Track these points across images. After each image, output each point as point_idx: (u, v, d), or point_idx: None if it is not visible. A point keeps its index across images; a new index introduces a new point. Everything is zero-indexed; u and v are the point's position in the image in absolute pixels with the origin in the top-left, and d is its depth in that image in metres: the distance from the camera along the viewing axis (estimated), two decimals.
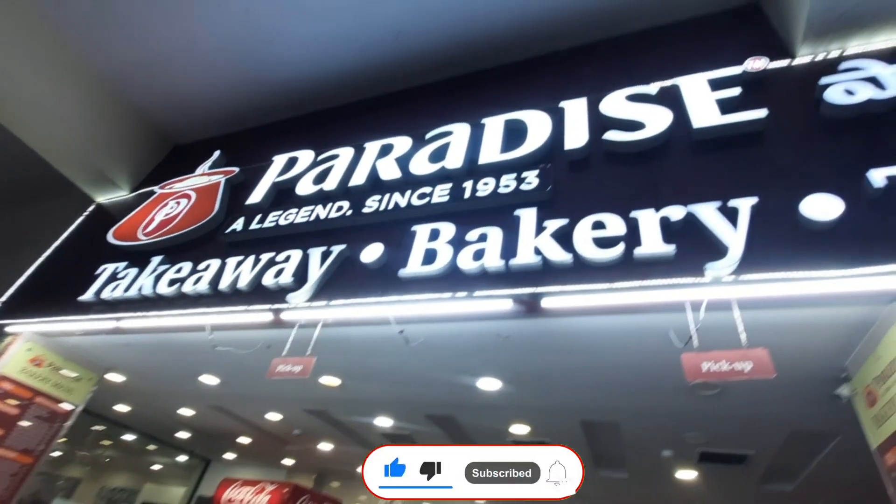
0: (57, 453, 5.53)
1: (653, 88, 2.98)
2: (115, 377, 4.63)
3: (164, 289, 3.29)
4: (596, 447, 4.79)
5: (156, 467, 9.85)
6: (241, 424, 6.03)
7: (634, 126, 2.78)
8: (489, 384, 3.54)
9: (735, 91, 2.70)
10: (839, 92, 2.40)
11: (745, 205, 2.18)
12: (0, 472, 3.47)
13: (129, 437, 7.85)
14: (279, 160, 3.97)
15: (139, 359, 4.20)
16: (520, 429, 4.49)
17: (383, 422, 4.98)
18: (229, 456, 8.02)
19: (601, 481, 5.49)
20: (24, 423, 3.64)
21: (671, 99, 2.86)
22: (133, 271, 3.59)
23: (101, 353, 4.10)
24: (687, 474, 4.88)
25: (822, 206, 2.03)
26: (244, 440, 6.76)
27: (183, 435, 7.28)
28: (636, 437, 4.30)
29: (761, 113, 2.49)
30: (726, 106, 2.65)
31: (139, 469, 10.10)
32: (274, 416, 5.53)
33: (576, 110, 3.08)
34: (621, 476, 5.29)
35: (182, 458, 8.79)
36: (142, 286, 3.39)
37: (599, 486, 5.63)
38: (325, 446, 6.29)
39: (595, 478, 5.42)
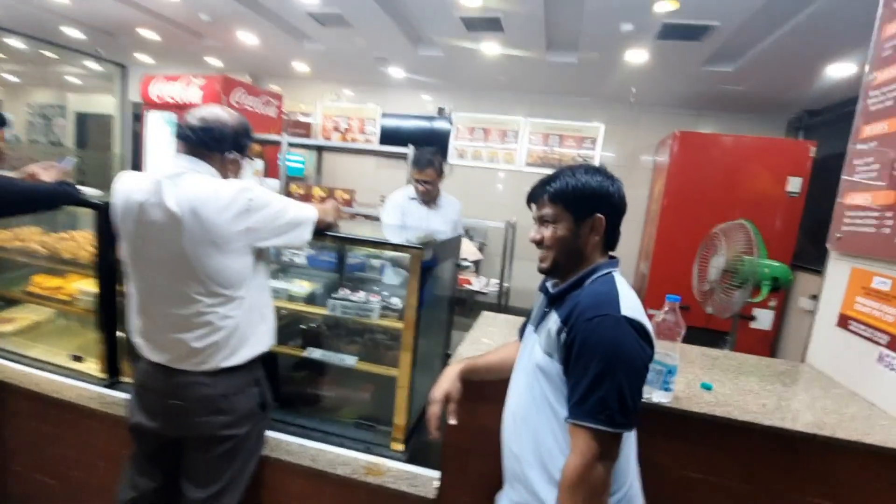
0: None
1: None
2: None
3: None
4: (552, 24, 4.36)
5: (71, 79, 8.97)
6: (133, 10, 4.93)
7: None
8: None
9: None
10: None
11: None
12: None
13: (14, 42, 6.64)
14: None
15: None
16: (471, 0, 3.82)
17: None
18: (144, 58, 7.15)
19: (548, 67, 5.38)
20: None
21: None
22: None
23: None
24: (638, 55, 4.75)
25: None
26: (150, 34, 5.77)
27: (73, 33, 6.13)
28: (601, 6, 3.81)
29: None
30: None
31: (55, 83, 9.24)
32: None
33: None
34: (570, 61, 5.14)
35: (94, 66, 7.92)
36: None
37: (546, 69, 5.56)
38: (250, 38, 5.50)
39: (543, 63, 5.27)
